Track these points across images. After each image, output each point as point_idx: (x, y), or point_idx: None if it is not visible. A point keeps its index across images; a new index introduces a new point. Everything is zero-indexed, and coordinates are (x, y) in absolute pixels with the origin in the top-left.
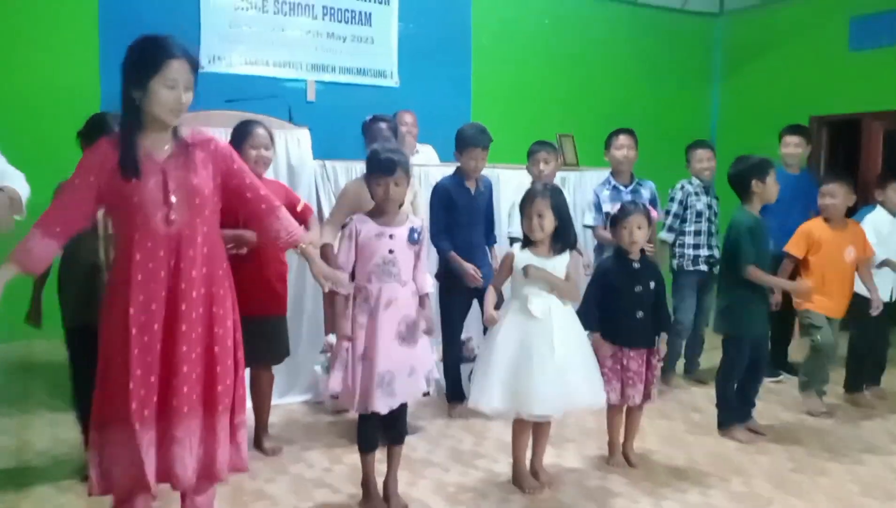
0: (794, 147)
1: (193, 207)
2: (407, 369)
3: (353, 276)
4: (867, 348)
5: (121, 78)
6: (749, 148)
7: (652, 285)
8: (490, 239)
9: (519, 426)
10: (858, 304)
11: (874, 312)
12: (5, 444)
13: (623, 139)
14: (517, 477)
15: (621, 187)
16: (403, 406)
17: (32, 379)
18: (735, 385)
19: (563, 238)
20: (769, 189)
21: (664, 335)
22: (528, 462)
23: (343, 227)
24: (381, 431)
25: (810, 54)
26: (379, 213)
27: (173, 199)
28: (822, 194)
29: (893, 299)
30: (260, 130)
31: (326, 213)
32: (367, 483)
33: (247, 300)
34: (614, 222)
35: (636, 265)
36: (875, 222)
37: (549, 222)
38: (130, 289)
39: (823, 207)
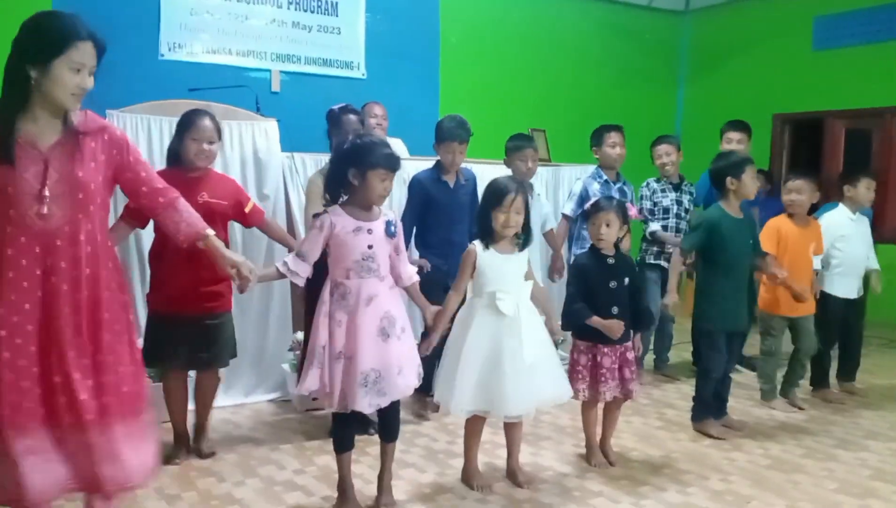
0: (736, 144)
1: (76, 202)
2: (395, 367)
3: (319, 269)
4: (829, 344)
5: (11, 53)
6: (713, 146)
7: (626, 280)
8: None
9: (472, 424)
10: (823, 303)
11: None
12: None
13: (616, 137)
14: (467, 475)
15: (611, 183)
16: (397, 404)
17: None
18: (713, 380)
19: (527, 234)
20: (745, 185)
21: (642, 332)
22: (477, 460)
23: (314, 217)
24: (358, 429)
25: (774, 53)
26: (358, 206)
27: (47, 193)
28: (787, 190)
29: (860, 296)
30: (206, 122)
31: (295, 207)
32: (343, 484)
33: (182, 299)
34: (587, 215)
35: (610, 261)
36: (834, 220)
37: (521, 219)
38: (1, 286)
39: (789, 203)
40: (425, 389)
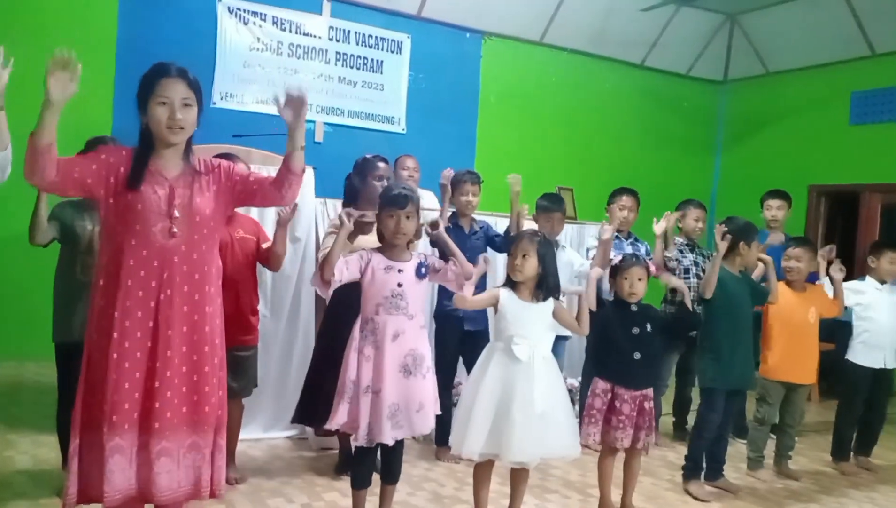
0: (776, 210)
1: (193, 224)
2: (416, 404)
3: (338, 310)
4: (853, 416)
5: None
6: (748, 214)
7: (649, 327)
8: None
9: (480, 469)
10: (847, 372)
11: None
12: None
13: (626, 200)
14: None
15: (622, 239)
16: (400, 445)
17: (19, 400)
18: (707, 441)
19: (546, 287)
20: (752, 254)
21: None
22: None
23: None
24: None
25: (811, 125)
26: (388, 247)
27: (177, 213)
28: (786, 257)
29: (888, 370)
30: (240, 165)
31: None
32: None
33: None
34: (614, 272)
35: (633, 308)
36: (856, 285)
37: (532, 266)
38: (118, 293)
39: (788, 270)
40: (444, 439)
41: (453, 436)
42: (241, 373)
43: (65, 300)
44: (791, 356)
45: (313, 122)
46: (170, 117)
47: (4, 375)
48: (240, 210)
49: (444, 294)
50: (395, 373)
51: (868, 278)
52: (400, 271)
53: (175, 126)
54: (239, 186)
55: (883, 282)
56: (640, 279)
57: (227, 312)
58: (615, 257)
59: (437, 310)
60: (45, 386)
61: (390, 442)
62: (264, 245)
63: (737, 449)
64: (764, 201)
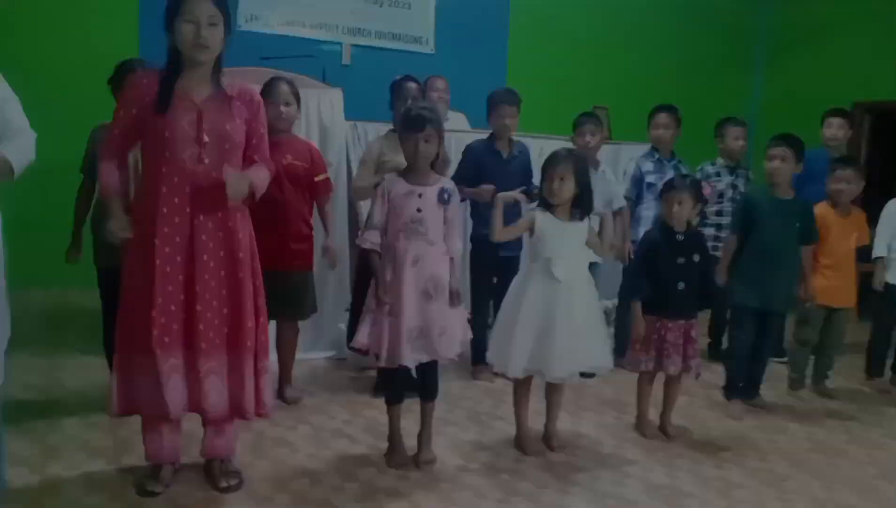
0: (836, 129)
1: (223, 151)
2: (437, 328)
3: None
4: (886, 333)
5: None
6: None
7: (696, 257)
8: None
9: (520, 388)
10: (878, 293)
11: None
12: (35, 382)
13: (663, 117)
14: (521, 440)
15: (665, 161)
16: (433, 365)
17: (66, 325)
18: (740, 359)
19: (583, 205)
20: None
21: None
22: (528, 426)
23: (376, 186)
24: (408, 387)
25: (856, 38)
26: (409, 171)
27: (206, 139)
28: (836, 179)
29: None
30: (283, 87)
31: (355, 173)
32: (393, 435)
33: (270, 256)
34: (660, 194)
35: (679, 237)
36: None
37: (569, 188)
38: (157, 220)
39: (837, 191)
40: (480, 359)
41: (494, 355)
42: (294, 296)
43: (103, 227)
44: (834, 280)
45: (341, 43)
46: (195, 35)
47: (50, 302)
48: (296, 131)
49: (478, 220)
50: (416, 297)
51: None
52: (420, 195)
53: (202, 44)
54: (250, 140)
55: None
56: (679, 204)
57: (276, 237)
58: (658, 180)
59: (473, 233)
60: (90, 311)
61: (411, 365)
62: (316, 177)
63: (774, 369)
64: (825, 118)
